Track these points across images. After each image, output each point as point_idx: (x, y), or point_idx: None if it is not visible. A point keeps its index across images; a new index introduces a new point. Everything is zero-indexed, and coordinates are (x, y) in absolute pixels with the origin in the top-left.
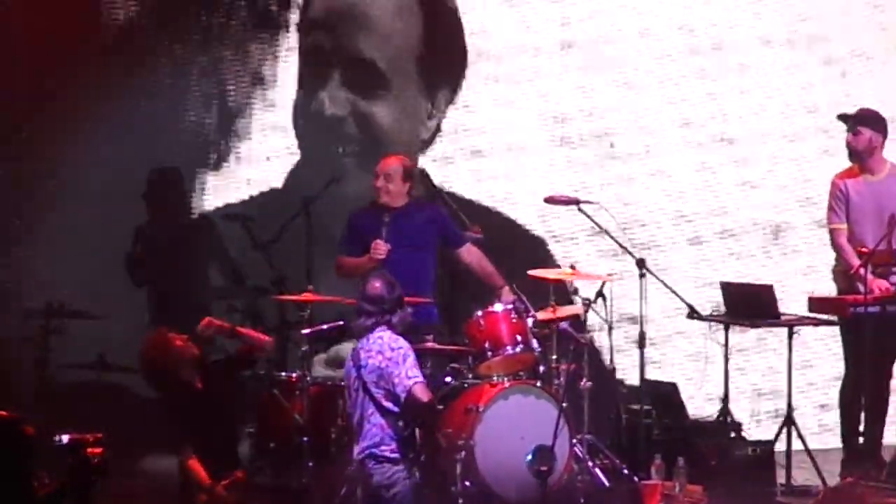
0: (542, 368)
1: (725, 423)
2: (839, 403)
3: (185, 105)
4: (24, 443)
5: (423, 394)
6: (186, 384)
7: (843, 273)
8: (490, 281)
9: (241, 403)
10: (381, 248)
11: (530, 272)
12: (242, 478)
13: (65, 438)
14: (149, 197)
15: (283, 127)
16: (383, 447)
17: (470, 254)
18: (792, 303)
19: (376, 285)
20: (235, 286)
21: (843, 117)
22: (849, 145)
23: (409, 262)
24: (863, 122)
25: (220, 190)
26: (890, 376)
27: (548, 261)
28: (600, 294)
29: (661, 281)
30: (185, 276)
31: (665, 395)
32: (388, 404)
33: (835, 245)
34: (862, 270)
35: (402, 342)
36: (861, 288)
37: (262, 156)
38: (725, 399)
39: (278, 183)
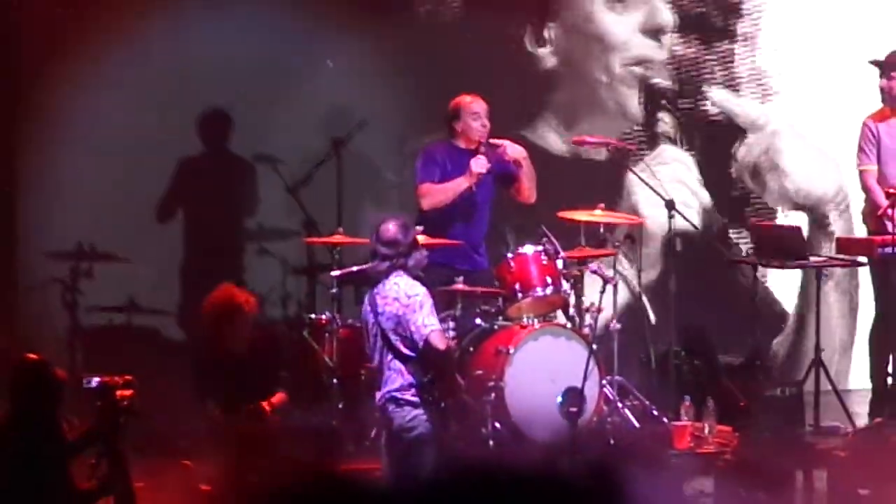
0: (572, 310)
1: (755, 364)
2: (869, 344)
3: (212, 41)
4: (55, 386)
5: (439, 341)
6: (230, 348)
7: (872, 214)
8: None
9: (277, 371)
10: (483, 161)
11: (560, 213)
12: (269, 406)
13: (94, 381)
14: (203, 134)
15: None
16: (403, 391)
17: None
18: None
19: (390, 228)
20: (266, 229)
21: (876, 63)
22: (882, 90)
23: (484, 207)
24: None
25: (256, 132)
26: None
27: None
28: (629, 236)
29: (689, 221)
30: (220, 217)
31: (695, 337)
32: (406, 350)
33: (864, 186)
34: (890, 211)
35: (418, 288)
36: (890, 228)
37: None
38: (755, 340)
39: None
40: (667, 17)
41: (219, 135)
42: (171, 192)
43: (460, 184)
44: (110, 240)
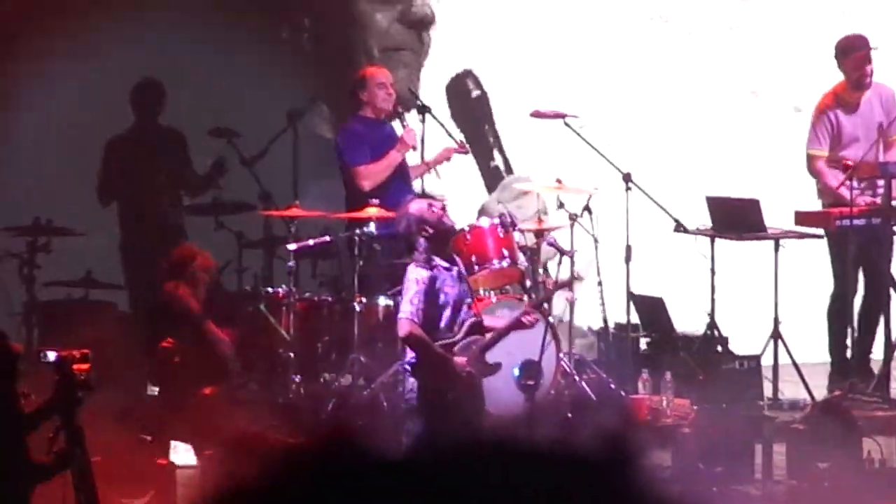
0: (528, 283)
1: (712, 337)
2: (828, 316)
3: (168, 10)
4: (11, 360)
5: (400, 328)
6: (187, 304)
7: (826, 191)
8: None
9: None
10: (414, 133)
11: (516, 185)
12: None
13: (51, 355)
14: (135, 105)
15: None
16: (408, 363)
17: None
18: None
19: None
20: (222, 202)
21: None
22: (850, 71)
23: (404, 169)
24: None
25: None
26: (880, 288)
27: None
28: (587, 208)
29: (647, 195)
30: (157, 191)
31: (652, 310)
32: None
33: (813, 170)
34: (847, 183)
35: (412, 272)
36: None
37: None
38: (712, 313)
39: None
40: (427, 10)
41: (152, 105)
42: (104, 176)
43: (395, 157)
44: (68, 214)
